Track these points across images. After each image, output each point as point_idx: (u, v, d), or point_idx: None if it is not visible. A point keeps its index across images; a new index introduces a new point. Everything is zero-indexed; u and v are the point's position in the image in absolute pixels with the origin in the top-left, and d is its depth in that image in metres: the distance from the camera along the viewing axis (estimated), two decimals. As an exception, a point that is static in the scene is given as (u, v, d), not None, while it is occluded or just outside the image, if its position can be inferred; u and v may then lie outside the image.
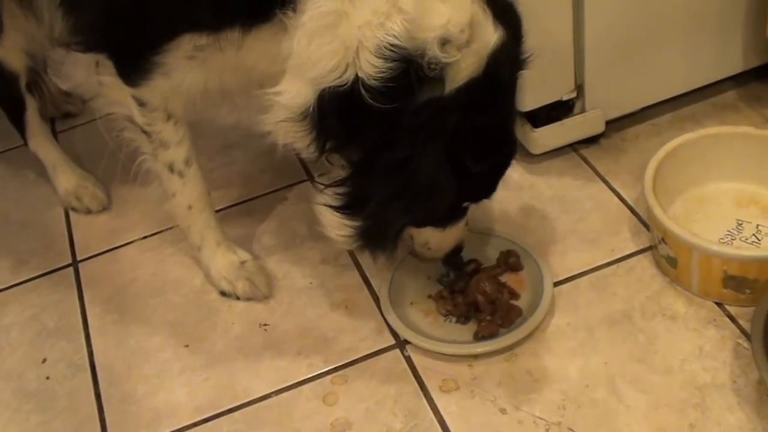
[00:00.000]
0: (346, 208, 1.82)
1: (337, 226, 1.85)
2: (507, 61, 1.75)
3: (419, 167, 1.70)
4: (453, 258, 2.11)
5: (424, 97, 1.65)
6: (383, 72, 1.61)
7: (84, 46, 2.06)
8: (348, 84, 1.65)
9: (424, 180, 1.72)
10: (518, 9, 1.80)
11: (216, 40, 1.82)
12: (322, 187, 1.86)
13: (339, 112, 1.69)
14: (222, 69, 1.92)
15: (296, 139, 1.78)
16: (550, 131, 2.39)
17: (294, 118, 1.74)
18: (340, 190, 1.82)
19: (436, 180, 1.74)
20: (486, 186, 1.94)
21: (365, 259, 2.24)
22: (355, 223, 1.83)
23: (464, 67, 1.67)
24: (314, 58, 1.66)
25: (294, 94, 1.72)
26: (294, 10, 1.67)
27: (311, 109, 1.70)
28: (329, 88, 1.66)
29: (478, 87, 1.70)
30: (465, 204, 1.96)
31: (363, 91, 1.63)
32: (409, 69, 1.61)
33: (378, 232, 1.86)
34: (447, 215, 1.95)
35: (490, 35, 1.69)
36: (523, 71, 1.86)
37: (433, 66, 1.62)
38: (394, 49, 1.60)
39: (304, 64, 1.68)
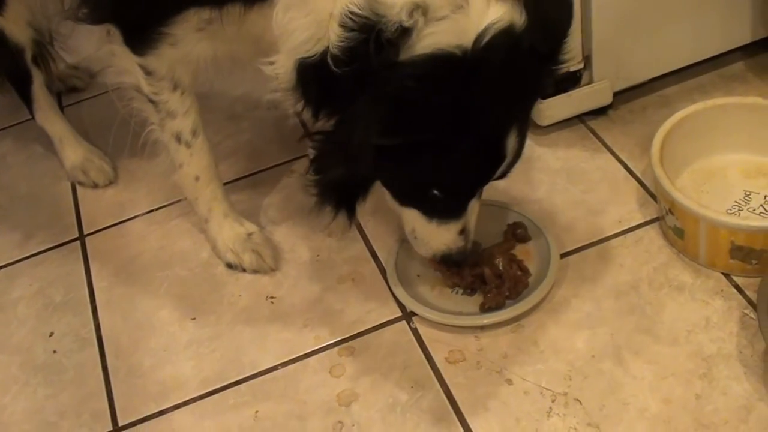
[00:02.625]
0: (313, 161, 1.85)
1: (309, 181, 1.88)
2: (511, 50, 1.64)
3: (349, 127, 1.68)
4: (449, 264, 2.03)
5: (380, 61, 1.61)
6: (343, 41, 1.61)
7: (92, 17, 2.07)
8: (317, 55, 1.66)
9: (350, 140, 1.68)
10: (570, 6, 1.76)
11: (220, 15, 1.84)
12: (309, 139, 1.87)
13: (316, 80, 1.70)
14: (230, 39, 1.92)
15: (291, 106, 1.79)
16: (558, 102, 2.38)
17: (283, 87, 1.75)
18: (315, 143, 1.83)
19: (358, 143, 1.68)
20: (453, 178, 1.81)
21: (372, 231, 2.24)
22: (313, 175, 1.86)
23: (430, 34, 1.60)
24: (290, 30, 1.69)
25: (279, 64, 1.74)
26: None
27: (294, 79, 1.72)
28: (305, 58, 1.68)
29: (444, 61, 1.61)
30: (435, 192, 1.83)
31: (329, 60, 1.63)
32: (369, 38, 1.60)
33: (322, 184, 1.86)
34: (418, 198, 1.88)
35: (492, 12, 1.62)
36: (546, 78, 1.83)
37: (393, 30, 1.59)
38: (354, 18, 1.59)
39: (283, 36, 1.71)
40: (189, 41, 1.95)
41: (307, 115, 1.80)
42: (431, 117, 1.65)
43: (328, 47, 1.64)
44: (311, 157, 1.87)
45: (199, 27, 1.91)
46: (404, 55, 1.61)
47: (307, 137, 1.89)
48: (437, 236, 1.93)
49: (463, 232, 1.92)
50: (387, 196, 1.94)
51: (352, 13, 1.59)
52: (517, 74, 1.70)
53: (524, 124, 1.80)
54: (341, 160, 1.78)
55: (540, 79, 1.82)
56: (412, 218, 1.94)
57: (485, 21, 1.61)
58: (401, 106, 1.62)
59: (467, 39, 1.61)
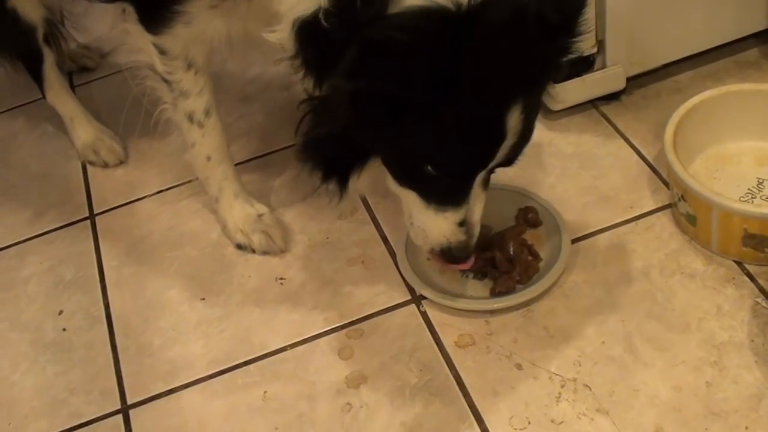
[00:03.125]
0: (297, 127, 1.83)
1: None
2: (514, 15, 1.56)
3: (334, 88, 1.64)
4: (449, 260, 1.92)
5: (367, 14, 1.55)
6: None
7: None
8: (311, 12, 1.61)
9: (333, 100, 1.65)
10: None
11: None
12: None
13: (313, 41, 1.65)
14: (242, 16, 1.91)
15: (297, 75, 1.76)
16: (571, 87, 2.37)
17: (286, 55, 1.73)
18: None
19: (331, 91, 1.64)
20: (444, 151, 1.69)
21: (382, 214, 2.24)
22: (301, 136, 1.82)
23: None
24: None
25: (280, 29, 1.71)
26: None
27: (293, 41, 1.69)
28: (300, 19, 1.64)
29: (434, 16, 1.52)
30: (429, 168, 1.72)
31: (320, 16, 1.59)
32: None
33: (307, 142, 1.82)
34: (412, 174, 1.80)
35: None
36: (560, 53, 1.72)
37: None
38: None
39: (284, 2, 1.68)
40: (203, 19, 1.95)
41: (308, 83, 1.75)
42: (407, 70, 1.53)
43: (320, 4, 1.60)
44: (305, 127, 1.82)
45: (212, 4, 1.91)
46: (393, 9, 1.55)
47: (302, 103, 1.85)
48: (435, 225, 1.84)
49: (463, 224, 1.83)
50: (387, 177, 1.87)
51: None
52: (521, 42, 1.59)
53: (531, 102, 1.67)
54: (323, 118, 1.75)
55: (550, 53, 1.70)
56: (410, 202, 1.84)
57: None
58: (373, 49, 1.53)
59: None
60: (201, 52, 2.07)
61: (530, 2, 1.57)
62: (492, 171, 1.80)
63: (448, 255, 1.88)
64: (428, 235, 1.87)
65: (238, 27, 1.97)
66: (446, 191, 1.79)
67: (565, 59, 1.75)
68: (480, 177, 1.78)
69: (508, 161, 1.76)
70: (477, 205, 1.83)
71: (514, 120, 1.65)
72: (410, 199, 1.84)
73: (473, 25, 1.52)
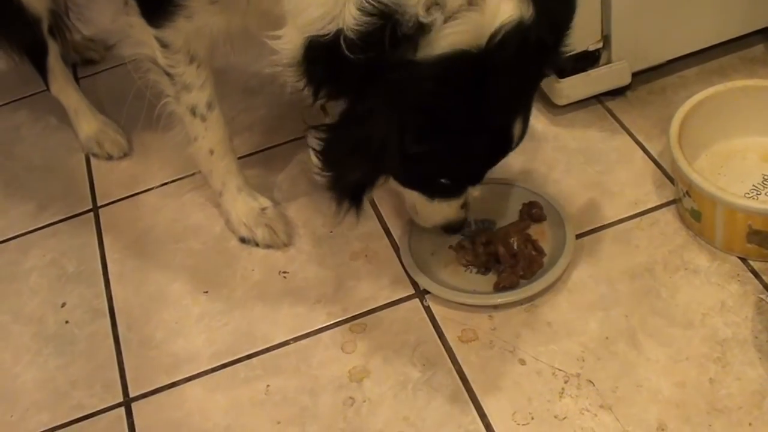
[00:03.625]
0: (321, 154, 1.80)
1: (319, 171, 1.84)
2: (521, 45, 1.63)
3: (370, 126, 1.67)
4: (448, 232, 2.09)
5: (395, 56, 1.59)
6: (360, 25, 1.57)
7: None
8: (331, 35, 1.62)
9: (370, 139, 1.68)
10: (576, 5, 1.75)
11: None
12: (313, 130, 1.82)
13: (324, 61, 1.67)
14: (242, 12, 1.91)
15: (294, 83, 1.76)
16: (576, 82, 2.36)
17: (288, 63, 1.73)
18: (321, 135, 1.79)
19: (381, 142, 1.67)
20: (463, 169, 1.84)
21: (385, 208, 2.24)
22: (325, 170, 1.82)
23: (449, 35, 1.59)
24: (302, 5, 1.65)
25: (287, 39, 1.72)
26: None
27: (300, 56, 1.69)
28: (315, 36, 1.64)
29: (463, 62, 1.60)
30: (443, 180, 1.87)
31: (342, 42, 1.60)
32: (386, 25, 1.57)
33: (338, 183, 1.83)
34: (425, 185, 1.91)
35: (504, 9, 1.61)
36: (550, 67, 1.84)
37: (410, 25, 1.57)
38: (373, 3, 1.56)
39: (294, 11, 1.68)
40: (204, 14, 1.95)
41: (306, 92, 1.76)
42: (453, 120, 1.66)
43: (342, 29, 1.60)
44: (317, 149, 1.81)
45: (212, 0, 1.92)
46: (422, 53, 1.60)
47: (310, 129, 1.85)
48: (438, 212, 1.99)
49: (464, 206, 1.99)
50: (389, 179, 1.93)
51: None
52: (525, 67, 1.71)
53: (528, 111, 1.81)
54: (361, 160, 1.75)
55: (543, 68, 1.81)
56: (413, 197, 1.98)
57: (499, 18, 1.60)
58: (430, 115, 1.64)
59: (483, 37, 1.60)
60: (203, 45, 2.07)
61: (530, 31, 1.64)
62: None
63: (449, 229, 2.06)
64: (431, 219, 2.03)
65: (237, 22, 1.97)
66: (451, 188, 1.91)
67: (555, 65, 1.93)
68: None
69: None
70: (474, 187, 1.94)
71: (518, 129, 1.77)
72: (414, 195, 1.96)
73: (492, 65, 1.62)
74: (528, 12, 1.63)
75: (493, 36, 1.60)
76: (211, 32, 2.00)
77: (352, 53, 1.59)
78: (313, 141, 1.82)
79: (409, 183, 1.92)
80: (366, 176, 1.82)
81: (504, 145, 1.79)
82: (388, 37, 1.57)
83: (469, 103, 1.65)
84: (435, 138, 1.68)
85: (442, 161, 1.76)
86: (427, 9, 1.57)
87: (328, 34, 1.62)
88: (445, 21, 1.58)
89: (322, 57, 1.66)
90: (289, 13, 1.70)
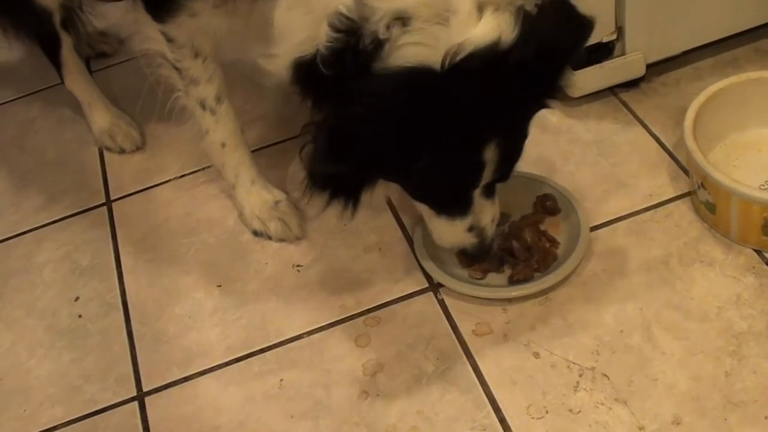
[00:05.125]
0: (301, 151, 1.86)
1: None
2: (491, 67, 1.61)
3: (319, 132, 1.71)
4: (466, 258, 2.04)
5: (355, 69, 1.62)
6: (331, 42, 1.63)
7: None
8: (310, 55, 1.68)
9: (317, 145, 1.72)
10: (587, 28, 1.71)
11: None
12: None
13: (308, 79, 1.73)
14: (244, 18, 1.93)
15: (294, 96, 1.82)
16: (590, 74, 2.35)
17: (283, 80, 1.77)
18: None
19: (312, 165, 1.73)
20: (436, 184, 1.83)
21: (399, 201, 2.24)
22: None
23: (405, 46, 1.60)
24: (289, 28, 1.72)
25: (277, 61, 1.76)
26: None
27: (289, 75, 1.75)
28: (300, 58, 1.70)
29: (415, 75, 1.60)
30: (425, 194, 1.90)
31: (318, 59, 1.65)
32: (350, 41, 1.61)
33: (317, 181, 1.85)
34: (418, 197, 1.93)
35: (478, 27, 1.60)
36: (546, 96, 1.81)
37: (370, 40, 1.60)
38: (342, 20, 1.61)
39: (283, 33, 1.74)
40: (207, 14, 1.98)
41: (307, 106, 1.83)
42: (379, 139, 1.63)
43: (318, 47, 1.65)
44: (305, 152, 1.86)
45: (215, 4, 1.95)
46: (378, 66, 1.61)
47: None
48: (447, 231, 1.94)
49: (472, 229, 1.92)
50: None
51: (341, 14, 1.62)
52: (498, 89, 1.66)
53: (509, 135, 1.75)
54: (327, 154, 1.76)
55: (533, 94, 1.76)
56: (424, 210, 1.97)
57: (465, 36, 1.59)
58: (344, 136, 1.63)
59: (441, 53, 1.59)
60: (207, 42, 2.09)
61: (509, 53, 1.61)
62: (492, 185, 1.87)
63: (466, 255, 2.00)
64: (443, 239, 1.98)
65: (240, 25, 1.98)
66: (449, 206, 1.90)
67: (552, 96, 1.85)
68: (480, 191, 1.86)
69: (502, 178, 1.85)
70: (484, 212, 1.91)
71: (490, 153, 1.73)
72: (423, 207, 1.96)
73: (451, 83, 1.60)
74: (510, 33, 1.61)
75: (455, 53, 1.58)
76: (213, 31, 2.03)
77: (325, 68, 1.65)
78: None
79: (402, 185, 1.91)
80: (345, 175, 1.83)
81: (475, 166, 1.75)
82: (350, 52, 1.61)
83: (418, 116, 1.61)
84: (350, 159, 1.67)
85: (398, 171, 1.79)
86: (388, 25, 1.60)
87: (308, 55, 1.69)
88: (405, 34, 1.60)
89: (306, 75, 1.72)
90: (278, 36, 1.76)
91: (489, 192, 1.88)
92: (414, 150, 1.68)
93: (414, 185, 1.88)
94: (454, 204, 1.88)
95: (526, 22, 1.63)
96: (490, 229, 1.94)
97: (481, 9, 1.61)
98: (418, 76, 1.60)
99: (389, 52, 1.60)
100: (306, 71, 1.71)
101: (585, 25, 1.71)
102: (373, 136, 1.61)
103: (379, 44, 1.60)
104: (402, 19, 1.59)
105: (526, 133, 1.83)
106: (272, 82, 1.83)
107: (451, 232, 1.94)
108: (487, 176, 1.79)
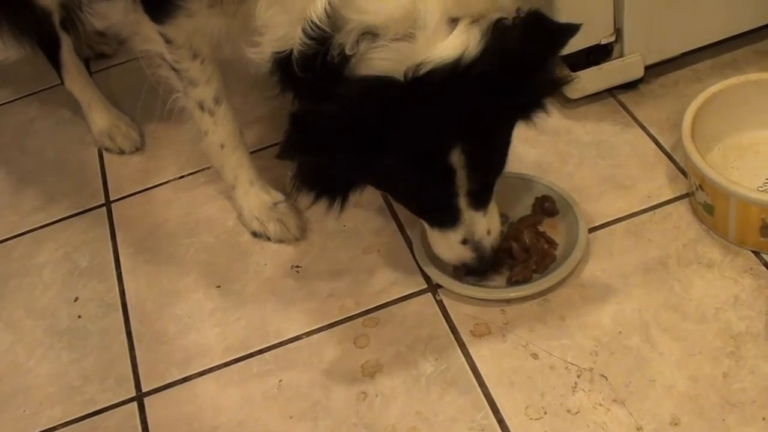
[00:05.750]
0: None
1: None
2: (454, 79, 1.65)
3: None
4: (467, 272, 2.02)
5: (324, 77, 1.69)
6: (303, 46, 1.69)
7: None
8: (286, 52, 1.74)
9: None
10: (561, 37, 1.72)
11: None
12: None
13: (285, 74, 1.78)
14: (242, 17, 1.93)
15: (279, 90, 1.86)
16: (588, 76, 2.35)
17: (266, 73, 1.84)
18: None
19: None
20: (393, 188, 1.92)
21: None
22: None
23: (372, 60, 1.65)
24: (270, 24, 1.78)
25: (260, 50, 1.82)
26: None
27: (269, 67, 1.81)
28: (278, 53, 1.76)
29: (380, 85, 1.65)
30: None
31: (294, 61, 1.72)
32: (320, 50, 1.67)
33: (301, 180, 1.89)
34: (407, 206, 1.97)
35: (443, 42, 1.64)
36: (518, 108, 1.83)
37: (336, 53, 1.66)
38: (314, 28, 1.67)
39: (264, 28, 1.79)
40: (203, 15, 1.99)
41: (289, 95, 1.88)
42: (333, 136, 1.67)
43: (293, 48, 1.71)
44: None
45: (210, 4, 1.96)
46: (347, 73, 1.68)
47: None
48: (442, 244, 1.96)
49: (466, 242, 1.91)
50: None
51: (313, 22, 1.66)
52: (461, 100, 1.69)
53: (477, 142, 1.76)
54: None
55: (503, 106, 1.77)
56: (422, 222, 2.00)
57: (429, 51, 1.64)
58: (300, 126, 1.68)
59: (405, 68, 1.64)
60: (205, 42, 2.10)
61: (472, 66, 1.65)
62: (475, 196, 1.85)
63: (466, 269, 2.00)
64: (440, 249, 1.98)
65: (236, 25, 1.99)
66: (435, 216, 1.92)
67: (532, 108, 1.87)
68: (464, 202, 1.85)
69: (480, 189, 1.85)
70: (476, 224, 1.90)
71: (456, 159, 1.74)
72: (421, 220, 1.99)
73: (412, 90, 1.64)
74: (475, 47, 1.65)
75: (417, 67, 1.62)
76: (210, 32, 2.04)
77: (299, 70, 1.72)
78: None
79: (396, 199, 2.01)
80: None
81: (441, 175, 1.77)
82: (319, 61, 1.67)
83: (380, 119, 1.66)
84: (304, 151, 1.73)
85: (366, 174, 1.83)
86: (357, 39, 1.65)
87: (285, 52, 1.74)
88: (371, 49, 1.65)
89: (283, 70, 1.78)
90: (263, 28, 1.80)
91: (478, 203, 1.87)
92: (376, 149, 1.71)
93: (389, 189, 1.96)
94: (440, 214, 1.89)
95: (496, 34, 1.66)
96: (488, 243, 1.93)
97: (453, 22, 1.66)
98: (382, 85, 1.66)
99: (356, 64, 1.67)
100: (284, 66, 1.77)
101: (558, 34, 1.72)
102: (336, 130, 1.66)
103: (345, 57, 1.66)
104: (371, 34, 1.65)
105: (503, 142, 1.85)
106: (256, 69, 1.84)
107: (446, 245, 1.95)
108: (461, 184, 1.80)
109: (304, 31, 1.67)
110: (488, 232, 1.92)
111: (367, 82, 1.66)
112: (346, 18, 1.65)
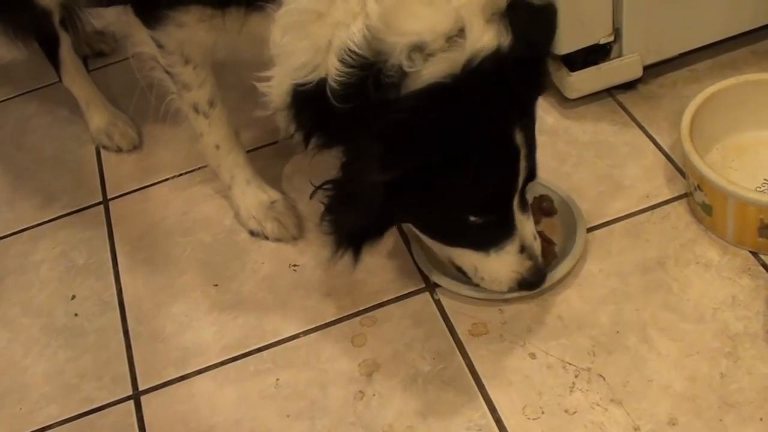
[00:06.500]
0: (330, 211, 1.85)
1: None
2: (499, 69, 1.66)
3: (355, 169, 1.71)
4: (527, 288, 1.94)
5: (379, 101, 1.62)
6: (342, 76, 1.63)
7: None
8: (314, 84, 1.68)
9: (358, 183, 1.72)
10: (553, 16, 1.78)
11: (221, 15, 1.88)
12: (320, 190, 1.87)
13: (312, 109, 1.72)
14: (233, 35, 1.93)
15: (286, 125, 1.81)
16: (587, 75, 2.35)
17: (277, 107, 1.78)
18: (328, 193, 1.85)
19: (365, 184, 1.69)
20: (473, 195, 1.78)
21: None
22: (335, 225, 1.85)
23: (427, 74, 1.63)
24: (287, 52, 1.71)
25: (274, 83, 1.77)
26: (276, 3, 1.70)
27: (288, 102, 1.75)
28: (300, 84, 1.70)
29: (437, 92, 1.63)
30: (471, 218, 1.81)
31: (328, 92, 1.65)
32: (368, 75, 1.61)
33: (340, 230, 1.85)
34: (461, 233, 1.86)
35: (482, 42, 1.64)
36: (533, 87, 1.82)
37: (392, 72, 1.61)
38: (352, 56, 1.61)
39: (281, 56, 1.73)
40: (193, 27, 1.98)
41: (298, 137, 1.82)
42: (425, 143, 1.63)
43: (325, 78, 1.66)
44: (326, 205, 1.86)
45: (202, 19, 1.94)
46: (404, 91, 1.63)
47: (316, 190, 1.88)
48: (502, 266, 1.87)
49: (523, 249, 1.87)
50: (436, 246, 1.95)
51: (351, 50, 1.61)
52: (504, 87, 1.69)
53: (525, 120, 1.76)
54: (355, 206, 1.78)
55: (531, 81, 1.79)
56: (470, 259, 1.90)
57: (478, 48, 1.63)
58: (394, 139, 1.61)
59: (457, 68, 1.62)
60: (196, 51, 2.11)
61: (508, 55, 1.66)
62: (523, 191, 1.83)
63: (526, 285, 1.91)
64: (501, 278, 1.90)
65: (227, 40, 2.00)
66: (494, 229, 1.84)
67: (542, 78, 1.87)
68: (516, 201, 1.82)
69: (531, 174, 1.82)
70: (526, 228, 1.87)
71: (519, 139, 1.73)
72: (468, 256, 1.90)
73: (468, 91, 1.63)
74: (506, 37, 1.66)
75: (465, 65, 1.62)
76: (200, 42, 2.05)
77: (339, 103, 1.64)
78: (323, 197, 1.86)
79: (440, 232, 1.90)
80: (365, 221, 1.83)
81: (510, 157, 1.75)
82: (371, 85, 1.62)
83: (444, 127, 1.64)
84: (403, 162, 1.65)
85: (443, 188, 1.74)
86: (409, 56, 1.61)
87: (311, 83, 1.68)
88: (424, 62, 1.62)
89: (309, 104, 1.71)
90: (277, 57, 1.75)
91: (523, 203, 1.85)
92: (462, 150, 1.67)
93: (458, 210, 1.81)
94: (497, 221, 1.83)
95: (513, 22, 1.67)
96: (537, 246, 1.90)
97: (488, 22, 1.65)
98: (438, 90, 1.62)
99: (414, 79, 1.62)
100: (308, 100, 1.71)
101: (551, 13, 1.78)
102: (422, 139, 1.62)
103: (403, 74, 1.61)
104: (418, 48, 1.61)
105: (534, 115, 1.85)
106: (270, 109, 1.80)
107: (506, 264, 1.87)
108: (522, 169, 1.77)
109: (341, 60, 1.61)
110: (534, 237, 1.89)
111: (433, 89, 1.62)
112: (392, 41, 1.60)
